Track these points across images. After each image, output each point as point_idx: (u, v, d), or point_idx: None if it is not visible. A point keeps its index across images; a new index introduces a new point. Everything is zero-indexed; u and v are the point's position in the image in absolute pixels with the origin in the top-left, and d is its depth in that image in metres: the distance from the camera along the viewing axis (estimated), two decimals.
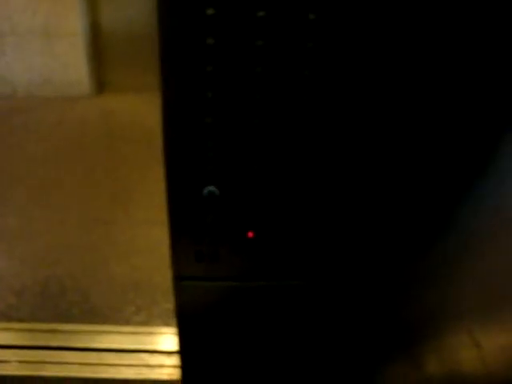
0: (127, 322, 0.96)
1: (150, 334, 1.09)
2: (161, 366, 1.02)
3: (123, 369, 1.03)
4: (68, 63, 2.34)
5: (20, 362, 1.04)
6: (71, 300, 1.28)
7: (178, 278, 0.80)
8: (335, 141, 0.68)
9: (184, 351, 0.88)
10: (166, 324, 1.13)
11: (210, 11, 0.58)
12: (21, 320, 1.21)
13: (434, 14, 0.61)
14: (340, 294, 0.81)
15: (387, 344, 0.84)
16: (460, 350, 0.71)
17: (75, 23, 2.26)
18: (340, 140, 0.68)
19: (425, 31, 0.62)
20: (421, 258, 0.77)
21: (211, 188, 0.69)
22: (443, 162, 0.71)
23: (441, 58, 0.64)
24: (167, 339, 1.10)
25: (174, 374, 0.97)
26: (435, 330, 0.76)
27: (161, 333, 1.11)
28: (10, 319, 1.22)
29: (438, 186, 0.72)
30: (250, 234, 0.73)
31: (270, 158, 0.68)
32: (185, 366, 0.89)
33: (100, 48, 2.40)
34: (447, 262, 0.75)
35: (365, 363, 0.85)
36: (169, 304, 1.14)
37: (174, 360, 1.02)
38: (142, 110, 2.11)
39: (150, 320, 1.13)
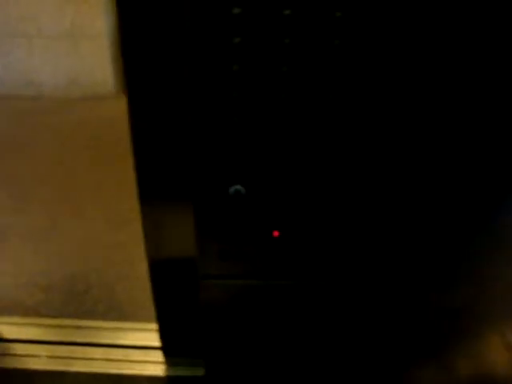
0: (152, 319, 0.96)
1: None
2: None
3: (148, 365, 1.04)
4: (94, 64, 2.38)
5: (49, 357, 1.06)
6: (97, 297, 1.30)
7: (203, 276, 0.80)
8: (360, 141, 0.67)
9: (208, 348, 0.88)
10: None
11: (236, 10, 0.59)
12: (48, 315, 1.23)
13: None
14: (366, 294, 0.80)
15: (417, 347, 0.82)
16: (491, 352, 0.70)
17: (100, 24, 2.30)
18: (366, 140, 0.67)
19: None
20: (453, 259, 0.76)
21: (237, 187, 0.69)
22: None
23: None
24: None
25: (198, 370, 0.98)
26: (466, 332, 0.74)
27: None
28: (38, 314, 1.24)
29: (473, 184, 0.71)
30: (276, 233, 0.73)
31: (295, 156, 0.68)
32: (208, 363, 0.90)
33: None
34: (480, 263, 0.73)
35: (394, 366, 0.84)
36: None
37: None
38: None
39: None
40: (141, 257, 0.84)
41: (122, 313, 1.24)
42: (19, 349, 1.08)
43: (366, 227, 0.74)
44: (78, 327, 1.15)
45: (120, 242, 1.51)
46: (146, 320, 1.12)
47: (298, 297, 0.81)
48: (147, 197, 0.79)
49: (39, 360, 1.05)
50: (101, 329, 1.15)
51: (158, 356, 1.04)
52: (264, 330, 0.86)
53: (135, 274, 1.34)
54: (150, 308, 0.92)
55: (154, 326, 0.98)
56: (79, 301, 1.29)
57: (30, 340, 1.11)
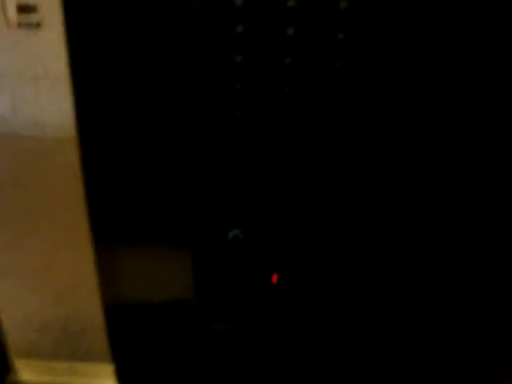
0: None
1: None
2: None
3: None
4: None
5: None
6: (91, 338, 1.27)
7: (201, 321, 0.79)
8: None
9: None
10: None
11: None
12: (42, 357, 1.21)
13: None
14: (365, 340, 0.79)
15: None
16: None
17: None
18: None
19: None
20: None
21: (236, 231, 0.70)
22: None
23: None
24: None
25: None
26: None
27: None
28: (31, 356, 1.21)
29: None
30: (274, 279, 0.73)
31: (294, 202, 0.68)
32: None
33: None
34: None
35: None
36: None
37: None
38: None
39: None
40: None
41: None
42: None
43: (365, 275, 0.73)
44: (72, 369, 1.13)
45: None
46: None
47: (296, 343, 0.80)
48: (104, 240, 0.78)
49: None
50: (95, 371, 1.12)
51: None
52: (259, 374, 0.84)
53: None
54: None
55: None
56: (74, 341, 1.26)
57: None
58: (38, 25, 0.79)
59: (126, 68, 0.64)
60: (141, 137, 0.68)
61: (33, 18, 0.79)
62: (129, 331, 0.84)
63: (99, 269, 0.79)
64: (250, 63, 0.61)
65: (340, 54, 0.60)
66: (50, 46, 0.92)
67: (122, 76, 0.64)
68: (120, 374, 0.90)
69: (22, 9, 0.78)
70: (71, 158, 0.68)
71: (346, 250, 0.71)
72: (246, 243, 0.71)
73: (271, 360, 0.82)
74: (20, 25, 0.79)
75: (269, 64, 0.61)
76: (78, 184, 0.72)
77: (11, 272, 1.56)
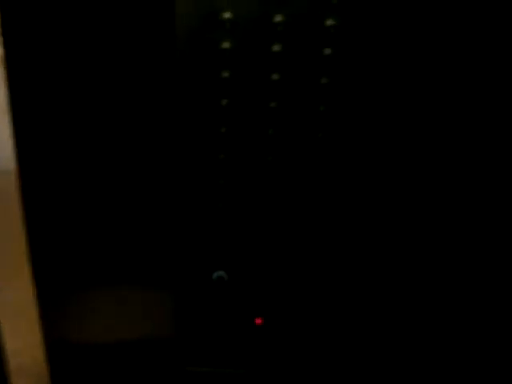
0: None
1: None
2: None
3: None
4: None
5: None
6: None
7: (183, 364, 0.77)
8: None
9: None
10: None
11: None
12: None
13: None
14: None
15: None
16: None
17: None
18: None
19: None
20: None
21: (220, 273, 0.69)
22: None
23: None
24: None
25: None
26: None
27: None
28: None
29: None
30: (259, 321, 0.72)
31: (281, 245, 0.68)
32: None
33: None
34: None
35: None
36: None
37: None
38: None
39: None
40: None
41: None
42: None
43: (353, 320, 0.73)
44: None
45: None
46: None
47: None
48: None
49: None
50: None
51: None
52: None
53: None
54: None
55: None
56: None
57: None
58: None
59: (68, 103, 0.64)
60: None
61: None
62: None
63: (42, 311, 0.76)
64: (235, 107, 0.62)
65: (323, 98, 0.61)
66: None
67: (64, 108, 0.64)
68: None
69: None
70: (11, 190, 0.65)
71: (333, 292, 0.71)
72: (230, 284, 0.70)
73: None
74: None
75: (254, 108, 0.62)
76: (18, 219, 0.70)
77: None
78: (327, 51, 0.58)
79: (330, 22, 0.58)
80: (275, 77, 0.59)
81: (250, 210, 0.66)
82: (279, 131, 0.62)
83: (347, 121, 0.62)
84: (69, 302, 0.76)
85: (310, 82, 0.60)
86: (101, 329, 0.77)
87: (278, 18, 0.57)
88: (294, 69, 0.59)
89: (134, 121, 0.64)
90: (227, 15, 0.57)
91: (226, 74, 0.59)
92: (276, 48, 0.58)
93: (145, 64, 0.62)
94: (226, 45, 0.58)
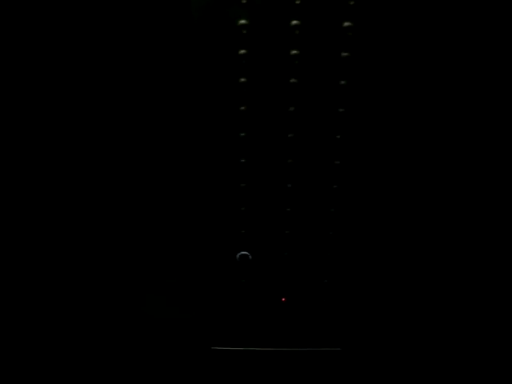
0: None
1: None
2: None
3: None
4: None
5: None
6: None
7: (208, 344, 0.78)
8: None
9: None
10: None
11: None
12: None
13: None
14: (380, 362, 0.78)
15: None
16: None
17: None
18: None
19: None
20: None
21: (244, 252, 0.70)
22: None
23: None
24: None
25: None
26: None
27: None
28: None
29: None
30: (283, 299, 0.73)
31: (298, 223, 0.69)
32: None
33: None
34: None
35: None
36: None
37: None
38: None
39: None
40: None
41: None
42: None
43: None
44: None
45: None
46: None
47: (306, 365, 0.79)
48: None
49: None
50: None
51: None
52: None
53: None
54: None
55: None
56: None
57: None
58: None
59: None
60: None
61: None
62: None
63: None
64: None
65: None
66: None
67: None
68: None
69: None
70: None
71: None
72: (253, 264, 0.71)
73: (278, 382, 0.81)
74: None
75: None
76: None
77: None
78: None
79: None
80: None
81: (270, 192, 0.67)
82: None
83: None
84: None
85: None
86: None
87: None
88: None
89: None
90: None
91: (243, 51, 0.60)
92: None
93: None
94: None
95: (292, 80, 0.61)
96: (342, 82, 0.61)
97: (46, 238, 0.72)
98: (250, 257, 0.70)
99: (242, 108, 0.62)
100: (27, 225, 0.71)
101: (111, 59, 0.63)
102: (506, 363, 0.75)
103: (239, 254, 0.70)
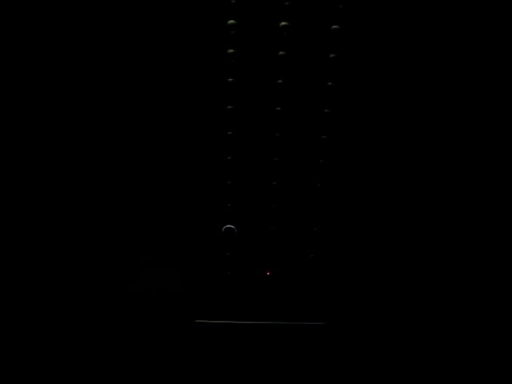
0: None
1: None
2: None
3: None
4: None
5: None
6: None
7: (191, 317, 0.78)
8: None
9: None
10: None
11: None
12: None
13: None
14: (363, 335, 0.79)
15: None
16: None
17: None
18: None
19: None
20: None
21: (229, 226, 0.69)
22: None
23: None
24: None
25: None
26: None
27: None
28: None
29: None
30: (268, 273, 0.72)
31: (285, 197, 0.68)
32: None
33: None
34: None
35: None
36: None
37: None
38: None
39: None
40: None
41: None
42: None
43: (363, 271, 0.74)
44: None
45: None
46: None
47: (289, 338, 0.79)
48: None
49: None
50: None
51: None
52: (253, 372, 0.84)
53: None
54: None
55: None
56: None
57: None
58: None
59: None
60: None
61: None
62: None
63: None
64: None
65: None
66: None
67: None
68: None
69: None
70: None
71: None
72: (238, 237, 0.70)
73: (260, 355, 0.82)
74: None
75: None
76: None
77: None
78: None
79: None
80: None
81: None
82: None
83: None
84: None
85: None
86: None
87: None
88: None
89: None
90: None
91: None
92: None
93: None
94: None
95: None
96: (329, 83, 0.61)
97: (37, 228, 0.72)
98: (236, 230, 0.69)
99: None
100: (18, 211, 0.70)
101: (100, 57, 0.62)
102: (492, 352, 0.77)
103: (225, 227, 0.69)
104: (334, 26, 0.59)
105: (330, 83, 0.62)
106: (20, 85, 0.63)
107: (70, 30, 0.61)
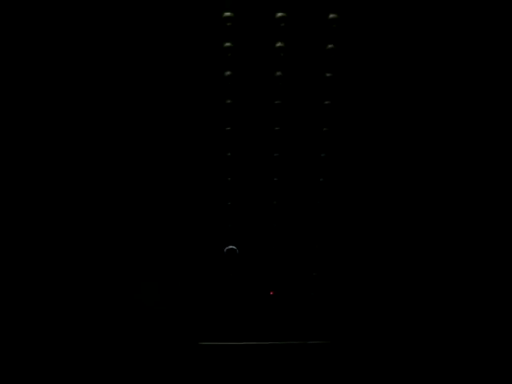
0: None
1: None
2: None
3: None
4: None
5: None
6: None
7: (195, 339, 0.77)
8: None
9: None
10: None
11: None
12: None
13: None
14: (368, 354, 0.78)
15: None
16: None
17: None
18: None
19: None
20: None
21: (231, 247, 0.69)
22: None
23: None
24: None
25: None
26: None
27: None
28: None
29: None
30: (271, 292, 0.72)
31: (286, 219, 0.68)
32: None
33: None
34: None
35: None
36: None
37: None
38: None
39: None
40: None
41: None
42: None
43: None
44: None
45: None
46: None
47: (295, 358, 0.79)
48: None
49: None
50: None
51: None
52: None
53: None
54: None
55: None
56: None
57: None
58: None
59: None
60: None
61: None
62: None
63: None
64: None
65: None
66: None
67: None
68: None
69: None
70: None
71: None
72: (240, 258, 0.70)
73: (267, 377, 0.81)
74: None
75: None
76: None
77: None
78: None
79: None
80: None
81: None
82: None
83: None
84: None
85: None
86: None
87: None
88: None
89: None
90: None
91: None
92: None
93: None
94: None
95: (277, 73, 0.60)
96: (328, 75, 0.60)
97: (36, 230, 0.71)
98: (237, 251, 0.69)
99: (228, 101, 0.61)
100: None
101: (97, 53, 0.62)
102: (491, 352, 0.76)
103: (226, 248, 0.69)
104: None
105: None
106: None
107: (66, 23, 0.60)
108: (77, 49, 0.61)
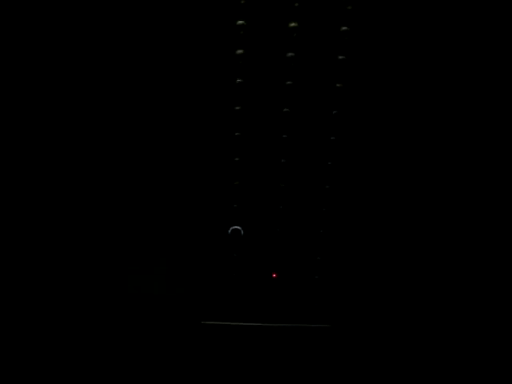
0: None
1: None
2: None
3: None
4: None
5: None
6: None
7: (200, 318, 0.79)
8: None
9: None
10: None
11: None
12: None
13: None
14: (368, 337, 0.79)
15: None
16: None
17: None
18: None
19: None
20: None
21: (236, 227, 0.69)
22: None
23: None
24: None
25: None
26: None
27: None
28: None
29: None
30: (274, 275, 0.73)
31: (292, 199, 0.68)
32: None
33: None
34: None
35: None
36: None
37: None
38: None
39: None
40: None
41: None
42: None
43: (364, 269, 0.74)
44: None
45: None
46: None
47: (297, 340, 0.79)
48: None
49: None
50: None
51: None
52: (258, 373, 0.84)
53: None
54: None
55: None
56: None
57: None
58: None
59: None
60: None
61: None
62: None
63: None
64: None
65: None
66: None
67: None
68: None
69: None
70: None
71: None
72: (245, 239, 0.70)
73: (268, 358, 0.82)
74: None
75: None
76: None
77: None
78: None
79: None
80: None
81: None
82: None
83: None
84: None
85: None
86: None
87: None
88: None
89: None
90: None
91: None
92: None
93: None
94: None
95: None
96: (338, 85, 0.61)
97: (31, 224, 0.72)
98: (242, 232, 0.70)
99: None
100: (17, 211, 0.71)
101: (106, 57, 0.63)
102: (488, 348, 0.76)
103: (231, 228, 0.69)
104: (344, 28, 0.60)
105: (338, 85, 0.62)
106: (20, 85, 0.64)
107: (77, 29, 0.61)
108: (87, 52, 0.63)
